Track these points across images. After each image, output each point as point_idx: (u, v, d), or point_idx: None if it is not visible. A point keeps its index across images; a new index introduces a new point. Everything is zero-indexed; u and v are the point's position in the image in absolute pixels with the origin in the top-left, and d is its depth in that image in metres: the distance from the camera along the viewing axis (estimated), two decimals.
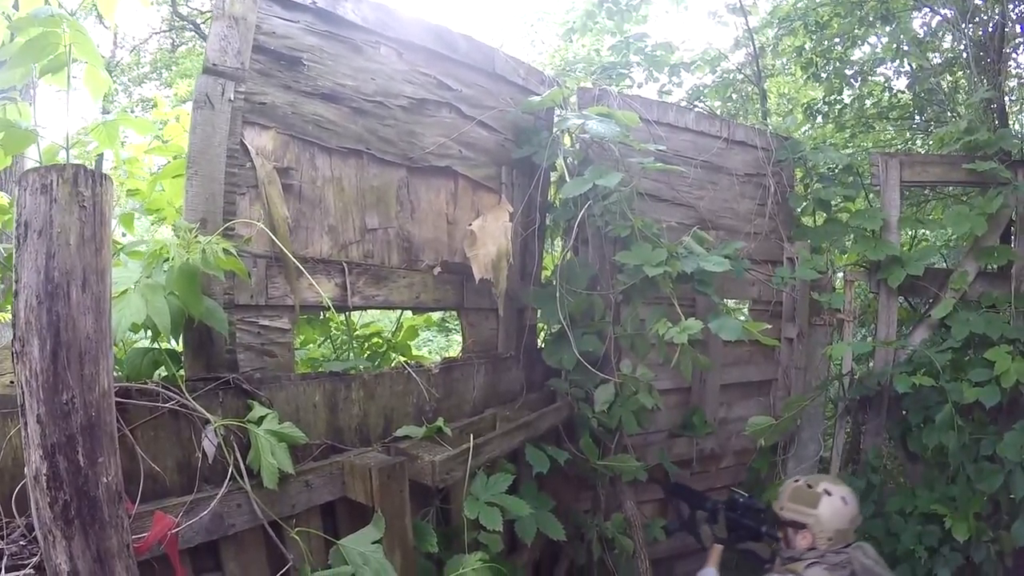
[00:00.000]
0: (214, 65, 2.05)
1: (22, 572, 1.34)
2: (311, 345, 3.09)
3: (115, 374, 2.03)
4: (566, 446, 3.21)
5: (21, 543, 1.44)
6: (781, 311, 4.29)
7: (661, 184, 3.71)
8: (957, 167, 4.20)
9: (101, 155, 3.71)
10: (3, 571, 1.34)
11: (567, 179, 3.01)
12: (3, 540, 1.42)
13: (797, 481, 2.77)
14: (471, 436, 2.41)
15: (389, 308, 2.73)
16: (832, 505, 2.62)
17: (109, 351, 1.37)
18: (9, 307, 2.00)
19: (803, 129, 5.84)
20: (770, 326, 4.15)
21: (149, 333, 2.07)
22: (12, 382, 1.49)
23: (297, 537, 1.93)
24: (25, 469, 1.30)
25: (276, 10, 2.22)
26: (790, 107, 5.98)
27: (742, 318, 4.39)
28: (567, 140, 3.13)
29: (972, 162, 4.02)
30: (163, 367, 2.14)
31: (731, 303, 4.70)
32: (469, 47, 2.82)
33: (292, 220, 2.24)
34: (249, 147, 2.14)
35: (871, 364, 4.38)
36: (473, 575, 2.18)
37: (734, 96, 5.73)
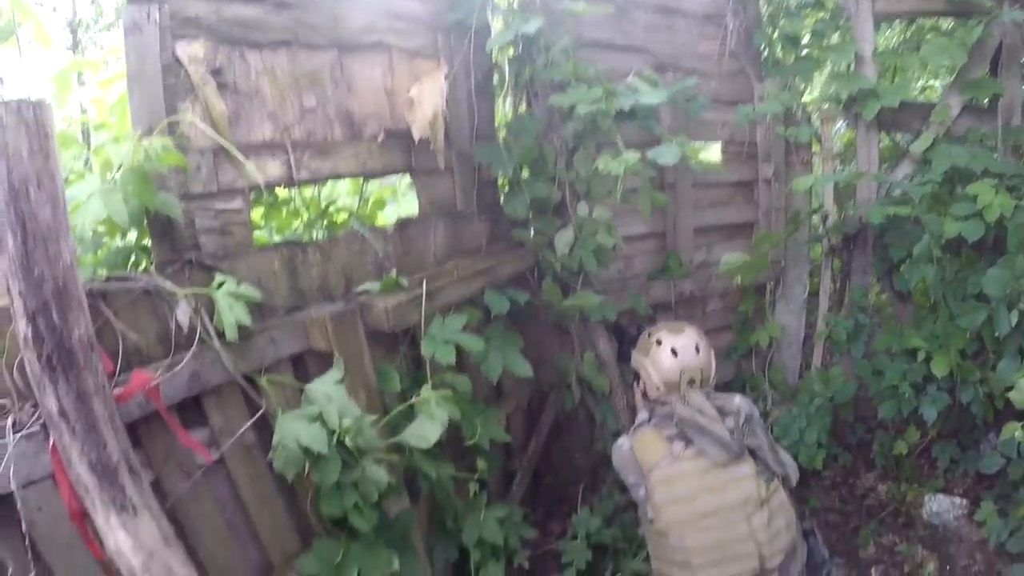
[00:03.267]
0: None
1: (27, 429, 1.86)
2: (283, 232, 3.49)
3: (97, 272, 2.49)
4: (535, 293, 3.59)
5: (31, 412, 1.92)
6: (757, 152, 4.51)
7: (613, 31, 3.88)
8: None
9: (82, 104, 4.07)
10: (13, 434, 1.83)
11: None
12: (16, 412, 1.92)
13: (649, 330, 2.88)
14: (424, 282, 2.79)
15: (337, 178, 3.09)
16: (659, 355, 2.71)
17: (67, 234, 1.79)
18: None
19: None
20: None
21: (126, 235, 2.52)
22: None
23: (268, 386, 2.40)
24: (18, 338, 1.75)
25: None
26: None
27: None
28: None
29: None
30: (140, 262, 2.61)
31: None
32: None
33: (232, 113, 2.59)
34: (181, 58, 2.46)
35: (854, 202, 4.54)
36: (428, 403, 2.62)
37: None
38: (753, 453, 2.56)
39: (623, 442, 2.69)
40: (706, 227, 4.47)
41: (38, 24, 2.51)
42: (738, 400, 2.67)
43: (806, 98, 5.17)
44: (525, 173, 3.56)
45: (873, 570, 3.80)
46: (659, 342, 2.73)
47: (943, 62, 4.13)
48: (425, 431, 2.62)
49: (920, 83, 6.23)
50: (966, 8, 4.09)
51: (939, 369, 3.75)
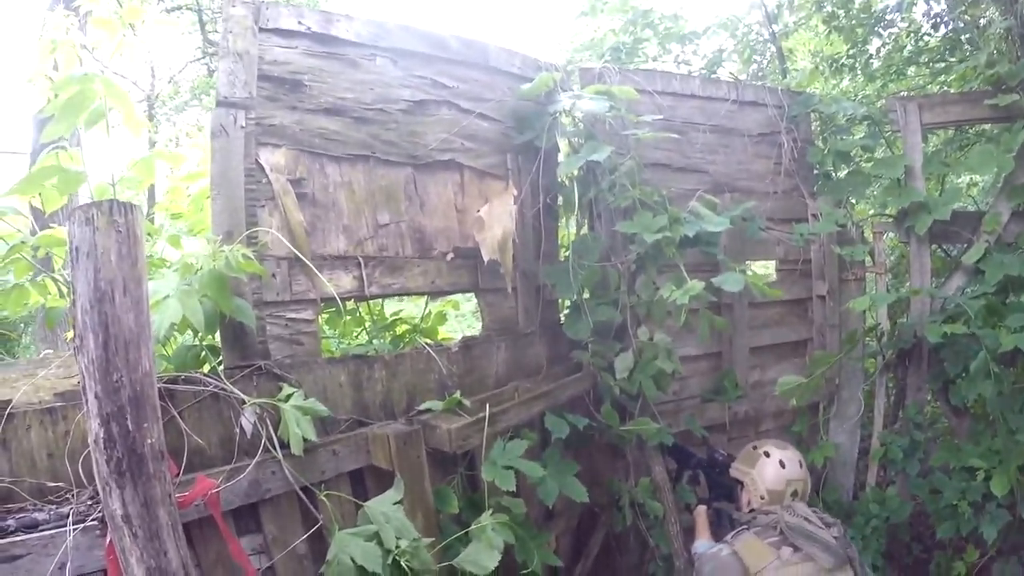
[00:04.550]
0: (225, 98, 2.42)
1: (88, 521, 1.78)
2: (345, 339, 3.46)
3: (165, 367, 2.46)
4: (592, 414, 3.46)
5: (88, 503, 1.87)
6: (811, 270, 4.43)
7: (672, 153, 3.92)
8: (979, 104, 4.21)
9: (153, 186, 4.17)
10: (72, 524, 1.76)
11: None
12: (74, 502, 1.86)
13: (754, 444, 3.06)
14: (487, 406, 2.71)
15: (406, 295, 3.06)
16: (766, 466, 2.90)
17: (149, 340, 1.75)
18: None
19: (832, 84, 5.90)
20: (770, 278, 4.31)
21: (196, 333, 2.49)
22: (78, 382, 1.86)
23: (326, 500, 2.30)
24: (88, 437, 1.69)
25: (275, 40, 2.57)
26: (816, 63, 6.01)
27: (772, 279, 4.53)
28: (567, 121, 3.39)
29: (995, 97, 4.00)
30: (206, 360, 2.56)
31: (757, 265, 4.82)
32: (460, 45, 3.11)
33: (308, 224, 2.60)
34: (264, 165, 2.51)
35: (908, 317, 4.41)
36: (486, 530, 2.48)
37: (757, 59, 5.81)
38: (850, 562, 2.63)
39: (721, 549, 2.73)
40: (761, 346, 4.35)
41: (129, 110, 2.55)
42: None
43: (858, 207, 5.14)
44: (587, 295, 3.51)
45: None
46: (767, 454, 2.94)
47: (990, 170, 4.08)
48: (482, 558, 2.48)
49: (965, 180, 6.22)
50: (1010, 112, 4.08)
51: (999, 488, 3.63)
